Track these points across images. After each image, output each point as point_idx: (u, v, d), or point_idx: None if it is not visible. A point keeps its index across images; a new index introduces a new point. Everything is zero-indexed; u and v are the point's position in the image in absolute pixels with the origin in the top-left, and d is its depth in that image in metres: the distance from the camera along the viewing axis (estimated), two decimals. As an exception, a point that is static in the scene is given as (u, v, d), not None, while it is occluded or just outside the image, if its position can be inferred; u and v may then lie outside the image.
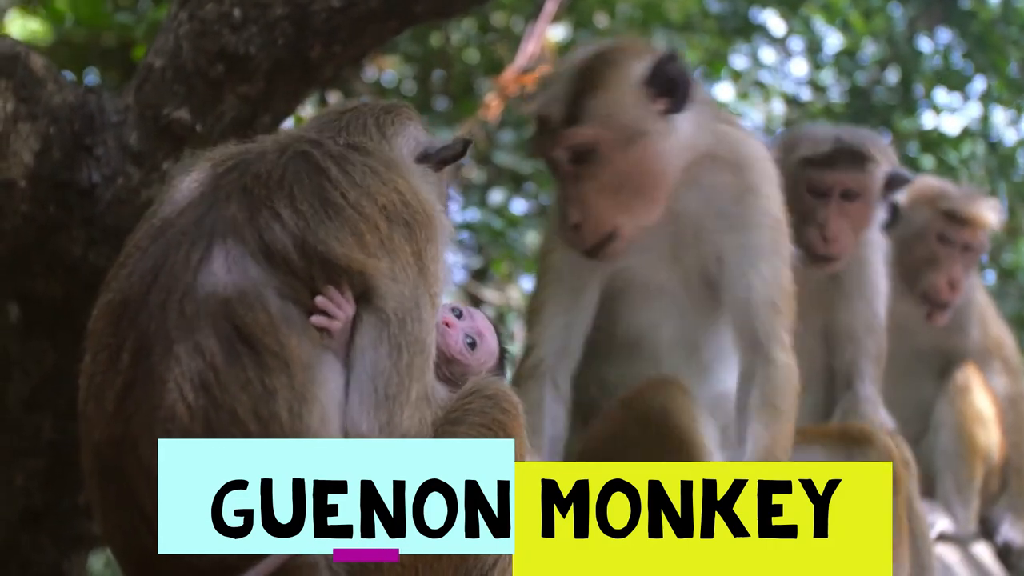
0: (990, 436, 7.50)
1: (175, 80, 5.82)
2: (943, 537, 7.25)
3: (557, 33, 14.39)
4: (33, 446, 6.09)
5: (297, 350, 3.71)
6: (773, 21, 14.68)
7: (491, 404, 3.96)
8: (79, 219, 5.77)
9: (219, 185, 3.89)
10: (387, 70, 15.15)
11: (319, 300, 3.80)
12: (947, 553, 7.20)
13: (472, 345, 4.49)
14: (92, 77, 10.44)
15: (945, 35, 14.11)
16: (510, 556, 3.92)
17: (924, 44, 14.08)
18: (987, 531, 7.56)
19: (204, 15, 5.79)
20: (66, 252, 5.79)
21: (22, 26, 13.55)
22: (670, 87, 5.17)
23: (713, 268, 5.37)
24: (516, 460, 3.91)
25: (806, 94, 14.52)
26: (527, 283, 12.12)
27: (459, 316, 4.51)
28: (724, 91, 14.77)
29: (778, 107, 14.68)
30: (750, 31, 14.42)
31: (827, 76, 14.55)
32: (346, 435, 3.79)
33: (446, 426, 3.91)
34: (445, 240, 4.13)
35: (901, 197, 7.08)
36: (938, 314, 7.42)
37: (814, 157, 6.34)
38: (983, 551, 7.43)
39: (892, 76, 14.12)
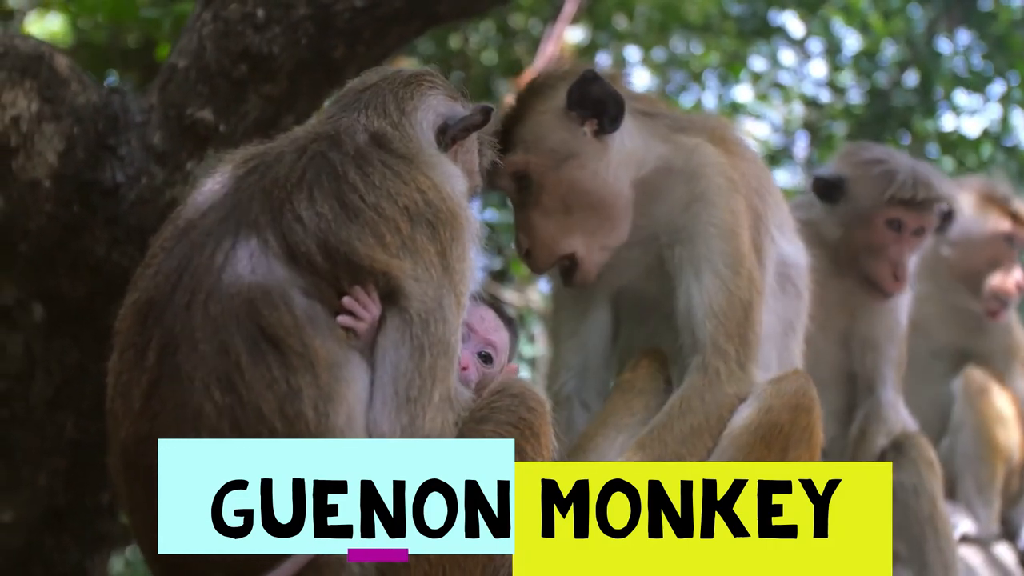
0: (1010, 436, 7.49)
1: (198, 80, 5.83)
2: (965, 538, 7.24)
3: (576, 35, 14.40)
4: (56, 445, 6.11)
5: (322, 350, 3.71)
6: (792, 23, 14.67)
7: (517, 403, 3.96)
8: (103, 219, 5.79)
9: (240, 187, 3.91)
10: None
11: (345, 301, 3.81)
12: (969, 555, 7.18)
13: (487, 359, 4.50)
14: (112, 78, 10.44)
15: (965, 37, 14.08)
16: (536, 554, 3.95)
17: (944, 46, 14.04)
18: (1008, 532, 7.54)
19: (228, 15, 5.80)
20: (90, 252, 5.80)
21: (41, 27, 13.62)
22: (596, 108, 5.17)
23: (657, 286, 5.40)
24: (544, 458, 3.94)
25: (825, 96, 14.50)
26: (546, 284, 12.13)
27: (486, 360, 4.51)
28: (744, 92, 14.78)
29: (797, 108, 14.66)
30: (769, 33, 14.40)
31: (846, 78, 14.52)
32: (370, 435, 3.80)
33: (472, 424, 3.91)
34: (471, 237, 4.10)
35: (960, 200, 7.15)
36: (1004, 312, 7.49)
37: (903, 197, 6.36)
38: (1005, 552, 7.42)
39: (912, 78, 14.09)
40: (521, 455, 3.89)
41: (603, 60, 15.38)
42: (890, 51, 14.14)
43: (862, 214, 6.38)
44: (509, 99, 9.57)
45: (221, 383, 3.64)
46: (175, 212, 4.01)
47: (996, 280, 7.44)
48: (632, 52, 15.44)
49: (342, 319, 3.79)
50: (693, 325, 5.16)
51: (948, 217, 6.82)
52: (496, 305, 4.66)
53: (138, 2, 9.46)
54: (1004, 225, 7.48)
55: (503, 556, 3.87)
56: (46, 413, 6.08)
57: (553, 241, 5.21)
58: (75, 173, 5.76)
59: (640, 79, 15.67)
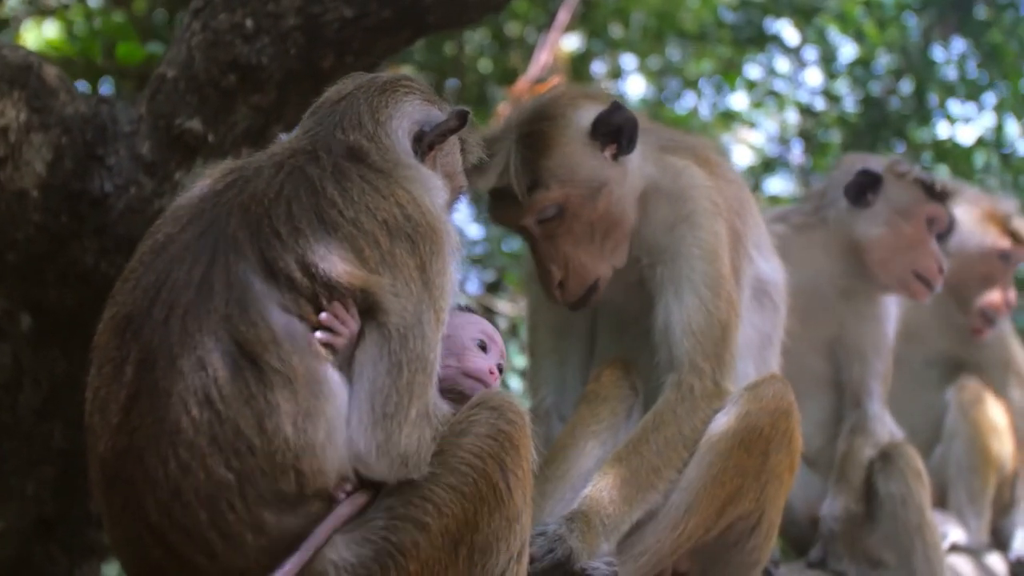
0: (1003, 447, 7.50)
1: (187, 90, 5.84)
2: (955, 548, 7.24)
3: (571, 43, 14.40)
4: (44, 455, 6.11)
5: (300, 366, 3.71)
6: (788, 31, 14.66)
7: (496, 415, 3.95)
8: (91, 229, 5.79)
9: (219, 202, 3.90)
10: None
11: (323, 317, 3.80)
12: (959, 564, 7.18)
13: (500, 370, 4.53)
14: (107, 87, 10.45)
15: (960, 45, 14.06)
16: (517, 567, 3.96)
17: (939, 54, 14.03)
18: (999, 542, 7.55)
19: (217, 26, 5.81)
20: (78, 262, 5.81)
21: (37, 36, 13.63)
22: (616, 133, 5.22)
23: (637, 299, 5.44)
24: (524, 470, 3.95)
25: (820, 104, 14.48)
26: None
27: (484, 348, 4.52)
28: (739, 100, 14.77)
29: (792, 116, 14.65)
30: (764, 41, 14.40)
31: (841, 86, 14.51)
32: (349, 451, 3.80)
33: (451, 438, 3.91)
34: (451, 250, 4.08)
35: (960, 212, 7.20)
36: (988, 329, 7.50)
37: (935, 188, 6.45)
38: (996, 562, 7.41)
39: (906, 86, 14.07)
40: (501, 467, 3.90)
41: (598, 68, 15.39)
42: (885, 59, 14.12)
43: (905, 211, 6.43)
44: (504, 109, 9.57)
45: (198, 398, 3.63)
46: (154, 226, 4.00)
47: (987, 297, 7.46)
48: (627, 60, 15.44)
49: (320, 335, 3.78)
50: (671, 343, 5.23)
51: (949, 227, 6.87)
52: (467, 308, 4.69)
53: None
54: (1003, 243, 7.50)
55: (483, 571, 3.90)
56: (34, 423, 6.09)
57: (585, 269, 5.27)
58: (63, 183, 5.77)
59: (636, 87, 15.69)
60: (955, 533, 7.27)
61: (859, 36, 13.85)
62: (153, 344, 3.70)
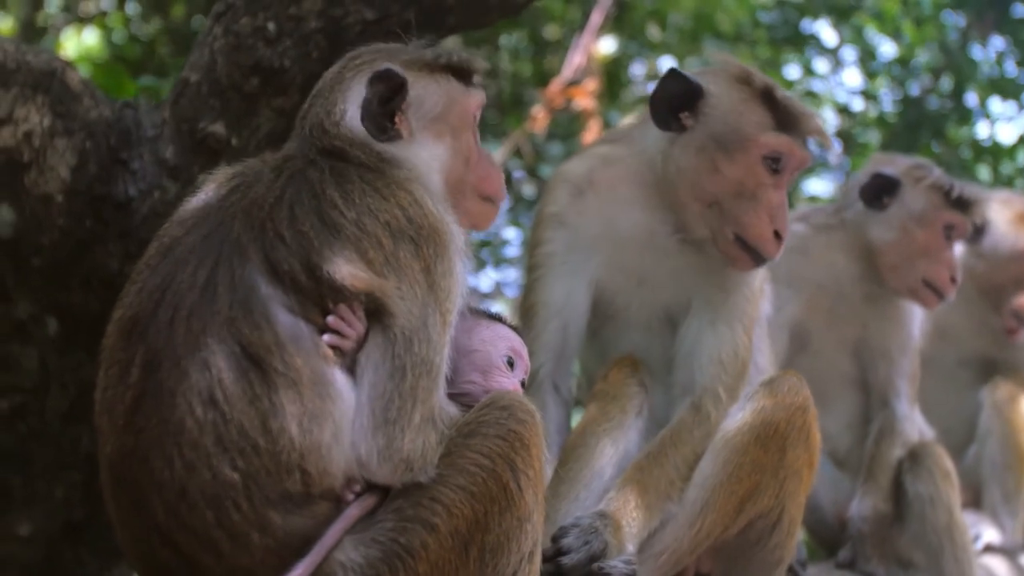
0: (1038, 446, 7.43)
1: (210, 94, 5.84)
2: (990, 548, 7.19)
3: (608, 46, 14.38)
4: (72, 459, 6.14)
5: (305, 368, 3.73)
6: (825, 32, 14.62)
7: (506, 415, 3.95)
8: (115, 233, 5.80)
9: (223, 206, 3.92)
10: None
11: (330, 320, 3.82)
12: (994, 564, 7.13)
13: (511, 363, 4.51)
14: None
15: (998, 43, 13.98)
16: (529, 567, 3.95)
17: (977, 52, 13.94)
18: (1034, 542, 7.50)
19: (239, 29, 5.80)
20: (103, 266, 5.82)
21: (78, 42, 13.75)
22: None
23: (680, 306, 5.44)
24: (535, 470, 3.93)
25: (858, 103, 14.43)
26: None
27: (512, 365, 4.51)
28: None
29: (830, 117, 14.59)
30: (801, 41, 14.35)
31: (879, 85, 14.45)
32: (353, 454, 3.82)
33: (459, 439, 3.91)
34: (456, 251, 4.08)
35: (993, 214, 7.16)
36: (1022, 330, 7.44)
37: (953, 195, 6.40)
38: (1032, 562, 7.37)
39: (945, 84, 14.01)
40: (511, 467, 3.90)
41: (636, 70, 15.37)
42: (924, 58, 14.05)
43: (920, 217, 6.37)
44: (538, 111, 9.55)
45: (203, 399, 3.67)
46: (161, 230, 4.03)
47: (1021, 298, 7.39)
48: (664, 61, 15.41)
49: (328, 338, 3.80)
50: (694, 366, 5.27)
51: (981, 229, 6.82)
52: (499, 316, 4.65)
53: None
54: None
55: (494, 571, 3.90)
56: (61, 427, 6.11)
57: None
58: (88, 187, 5.78)
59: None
60: (989, 533, 7.21)
61: (896, 35, 13.78)
62: (158, 345, 3.74)
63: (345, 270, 3.81)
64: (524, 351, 4.54)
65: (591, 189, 5.44)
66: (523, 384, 4.48)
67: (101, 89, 6.07)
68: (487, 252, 13.74)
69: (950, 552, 6.17)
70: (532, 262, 5.49)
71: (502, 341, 4.49)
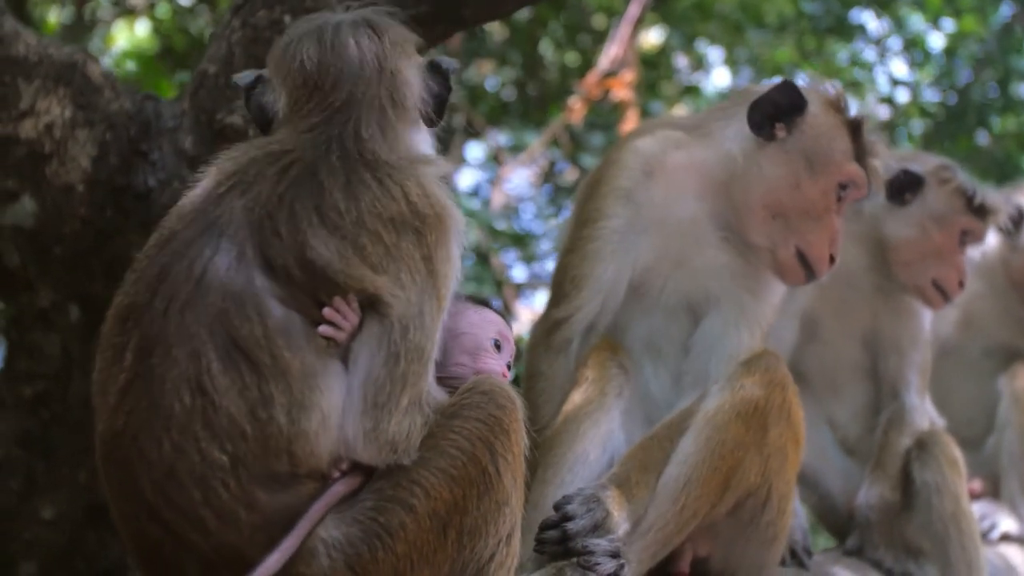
0: (1056, 436, 7.42)
1: (228, 86, 5.92)
2: (1007, 537, 7.19)
3: (652, 37, 14.40)
4: (94, 444, 6.23)
5: (295, 361, 3.81)
6: (871, 22, 14.56)
7: (487, 400, 4.02)
8: (136, 223, 5.91)
9: (220, 202, 3.98)
10: (489, 76, 15.29)
11: (327, 312, 3.89)
12: (1012, 553, 7.13)
13: (498, 346, 4.59)
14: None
15: (1044, 34, 13.90)
16: (506, 550, 4.01)
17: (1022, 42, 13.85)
18: (1053, 532, 7.48)
19: (256, 22, 5.90)
20: (124, 255, 5.90)
21: (130, 35, 13.90)
22: None
23: (709, 299, 5.51)
24: (514, 454, 4.01)
25: (902, 95, 14.37)
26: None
27: (499, 348, 4.59)
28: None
29: (874, 107, 14.53)
30: (845, 31, 14.30)
31: (927, 76, 14.39)
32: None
33: (442, 420, 3.98)
34: (456, 235, 4.14)
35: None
36: None
37: (975, 201, 6.42)
38: (1051, 552, 7.35)
39: (989, 75, 13.92)
40: (491, 451, 3.97)
41: (680, 61, 15.37)
42: (968, 49, 13.97)
43: (940, 218, 6.37)
44: (575, 103, 9.60)
45: (191, 386, 3.76)
46: (162, 222, 4.11)
47: None
48: (709, 52, 15.41)
49: (323, 329, 3.88)
50: (711, 360, 5.38)
51: (1018, 222, 6.81)
52: (486, 302, 4.74)
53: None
54: None
55: (472, 550, 3.96)
56: (84, 412, 6.17)
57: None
58: (108, 178, 5.89)
59: (721, 79, 15.67)
60: (1006, 523, 7.21)
61: (938, 24, 13.71)
62: (152, 333, 3.83)
63: (338, 268, 3.88)
64: (511, 335, 4.63)
65: (660, 171, 5.48)
66: (509, 366, 4.55)
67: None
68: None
69: (956, 540, 6.17)
70: (589, 232, 5.49)
71: (490, 325, 4.57)
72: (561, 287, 5.50)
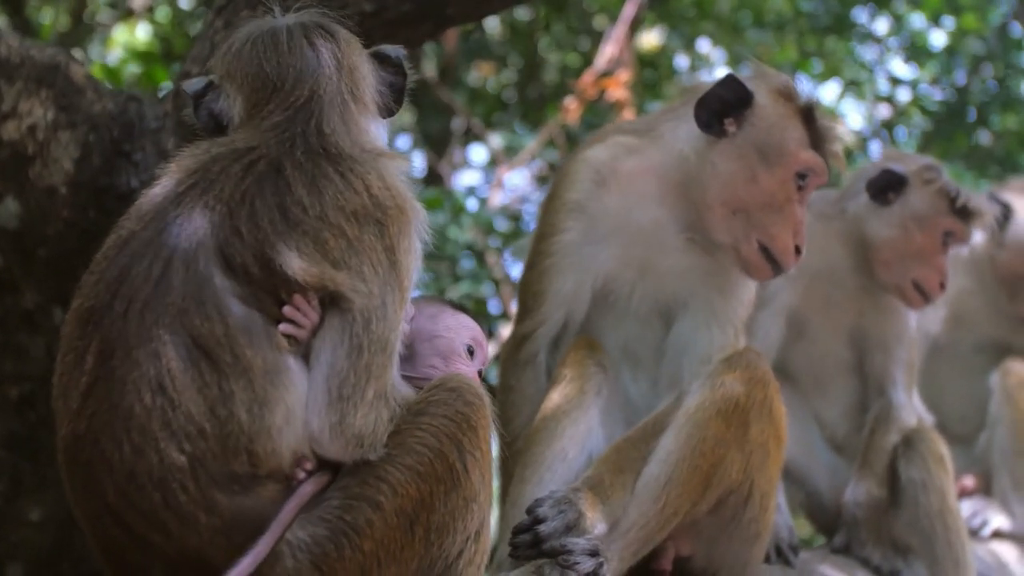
0: (1049, 432, 7.41)
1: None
2: (999, 534, 7.18)
3: (651, 38, 14.38)
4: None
5: (257, 359, 3.80)
6: (873, 21, 14.56)
7: (455, 396, 4.03)
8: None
9: (182, 201, 3.96)
10: (489, 76, 15.29)
11: (286, 310, 3.89)
12: (1004, 550, 7.12)
13: (471, 351, 4.62)
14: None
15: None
16: (475, 547, 4.00)
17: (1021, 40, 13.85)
18: (1046, 529, 7.47)
19: (239, 22, 5.87)
20: (107, 257, 5.91)
21: (130, 37, 13.92)
22: None
23: (678, 302, 5.51)
24: (482, 451, 4.02)
25: (904, 94, 14.36)
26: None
27: (472, 354, 4.61)
28: (828, 92, 14.66)
29: (871, 106, 14.53)
30: (843, 29, 14.29)
31: (928, 74, 14.37)
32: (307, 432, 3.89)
33: (409, 417, 3.98)
34: (418, 229, 4.14)
35: (1017, 202, 7.15)
36: None
37: (958, 202, 6.40)
38: (1042, 549, 7.34)
39: (989, 73, 13.91)
40: (458, 448, 3.98)
41: (680, 62, 15.35)
42: (968, 47, 13.96)
43: (922, 219, 6.36)
44: (570, 103, 9.56)
45: (152, 386, 3.75)
46: (119, 222, 4.10)
47: None
48: (710, 52, 15.38)
49: (283, 327, 3.88)
50: (684, 363, 5.40)
51: (1004, 218, 6.80)
52: (464, 307, 4.77)
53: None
54: None
55: (440, 547, 3.96)
56: (70, 414, 6.20)
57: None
58: (91, 179, 5.89)
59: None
60: (998, 520, 7.21)
61: (937, 22, 13.70)
62: (112, 335, 3.83)
63: (297, 264, 3.87)
64: (485, 342, 4.67)
65: (613, 179, 5.48)
66: (480, 374, 4.57)
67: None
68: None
69: (943, 537, 6.16)
70: (545, 247, 5.51)
71: (465, 330, 4.61)
72: (524, 303, 5.54)
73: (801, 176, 5.29)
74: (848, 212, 6.43)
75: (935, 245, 6.35)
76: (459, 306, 4.73)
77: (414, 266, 4.11)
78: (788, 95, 5.34)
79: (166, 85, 12.23)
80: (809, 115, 5.35)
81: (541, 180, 12.73)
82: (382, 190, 4.05)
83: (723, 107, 5.26)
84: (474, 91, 15.23)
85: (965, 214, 6.39)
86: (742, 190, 5.27)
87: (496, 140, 12.85)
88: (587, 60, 14.40)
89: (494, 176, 12.77)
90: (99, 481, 3.79)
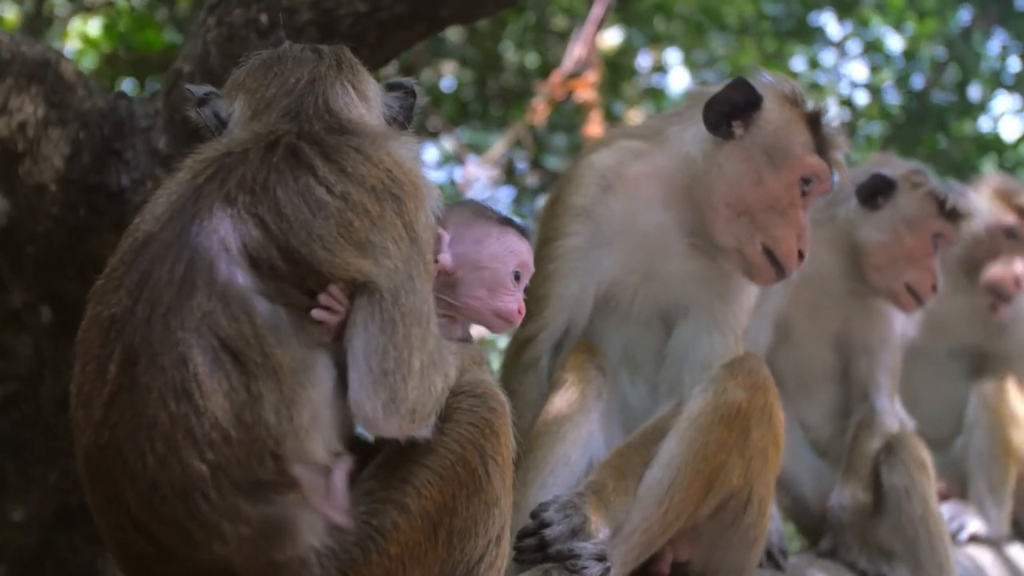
0: (1024, 437, 7.49)
1: (203, 85, 5.88)
2: (975, 538, 7.25)
3: (613, 37, 14.40)
4: (66, 446, 6.15)
5: (285, 357, 3.76)
6: (831, 25, 14.64)
7: (479, 403, 4.05)
8: (109, 222, 5.86)
9: (200, 196, 3.91)
10: (447, 76, 15.27)
11: (322, 297, 3.84)
12: (980, 555, 7.19)
13: (517, 277, 4.65)
14: (155, 84, 10.60)
15: (1003, 37, 13.98)
16: (496, 551, 4.01)
17: (981, 46, 13.94)
18: (1021, 533, 7.54)
19: (232, 20, 5.86)
20: (97, 255, 5.85)
21: (83, 33, 13.81)
22: None
23: (680, 308, 5.54)
24: (503, 456, 4.05)
25: (861, 97, 14.44)
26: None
27: (518, 279, 4.64)
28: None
29: (833, 110, 14.59)
30: (806, 33, 14.37)
31: (885, 78, 14.46)
32: (349, 420, 3.89)
33: (435, 421, 3.97)
34: (432, 204, 4.13)
35: (975, 195, 7.22)
36: (1002, 307, 7.50)
37: (947, 205, 6.46)
38: (1018, 553, 7.40)
39: (949, 78, 14.02)
40: (481, 454, 4.00)
41: (642, 62, 15.39)
42: (928, 52, 14.06)
43: (912, 222, 6.41)
44: (538, 103, 9.53)
45: (177, 393, 3.69)
46: (132, 224, 4.05)
47: (993, 272, 7.46)
48: (670, 54, 15.43)
49: (316, 313, 3.83)
50: (684, 368, 5.44)
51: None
52: (509, 221, 4.75)
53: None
54: (1007, 219, 7.52)
55: (462, 551, 3.98)
56: (55, 414, 6.17)
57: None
58: (81, 177, 5.85)
59: (680, 80, 15.70)
60: (974, 524, 7.27)
61: (899, 27, 13.79)
62: (135, 343, 3.76)
63: (322, 256, 3.83)
64: (531, 261, 4.66)
65: (619, 184, 5.52)
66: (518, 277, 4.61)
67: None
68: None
69: (926, 542, 6.21)
70: (549, 252, 5.54)
71: (511, 256, 4.61)
72: (527, 306, 5.53)
73: (805, 181, 5.33)
74: (838, 218, 6.48)
75: (926, 247, 6.41)
76: (506, 220, 4.70)
77: (432, 240, 4.10)
78: (795, 100, 5.39)
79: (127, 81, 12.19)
80: (815, 121, 5.39)
81: (506, 179, 12.77)
82: (396, 166, 4.04)
83: (732, 109, 5.30)
84: (431, 89, 15.20)
85: (954, 216, 6.45)
86: (747, 192, 5.30)
87: (461, 136, 12.85)
88: (546, 60, 14.43)
89: (457, 174, 12.78)
90: (121, 492, 3.74)
